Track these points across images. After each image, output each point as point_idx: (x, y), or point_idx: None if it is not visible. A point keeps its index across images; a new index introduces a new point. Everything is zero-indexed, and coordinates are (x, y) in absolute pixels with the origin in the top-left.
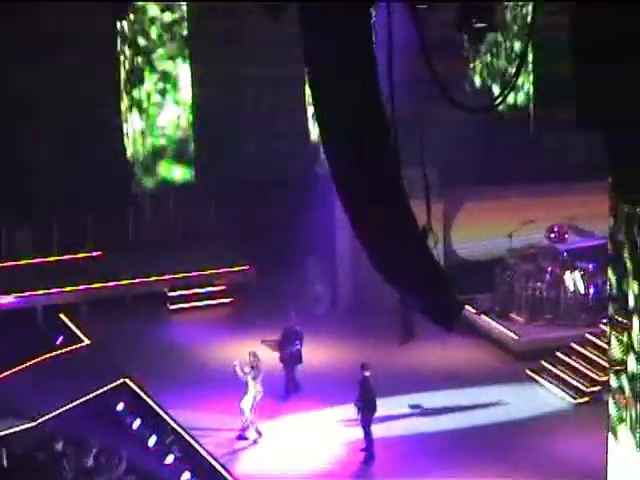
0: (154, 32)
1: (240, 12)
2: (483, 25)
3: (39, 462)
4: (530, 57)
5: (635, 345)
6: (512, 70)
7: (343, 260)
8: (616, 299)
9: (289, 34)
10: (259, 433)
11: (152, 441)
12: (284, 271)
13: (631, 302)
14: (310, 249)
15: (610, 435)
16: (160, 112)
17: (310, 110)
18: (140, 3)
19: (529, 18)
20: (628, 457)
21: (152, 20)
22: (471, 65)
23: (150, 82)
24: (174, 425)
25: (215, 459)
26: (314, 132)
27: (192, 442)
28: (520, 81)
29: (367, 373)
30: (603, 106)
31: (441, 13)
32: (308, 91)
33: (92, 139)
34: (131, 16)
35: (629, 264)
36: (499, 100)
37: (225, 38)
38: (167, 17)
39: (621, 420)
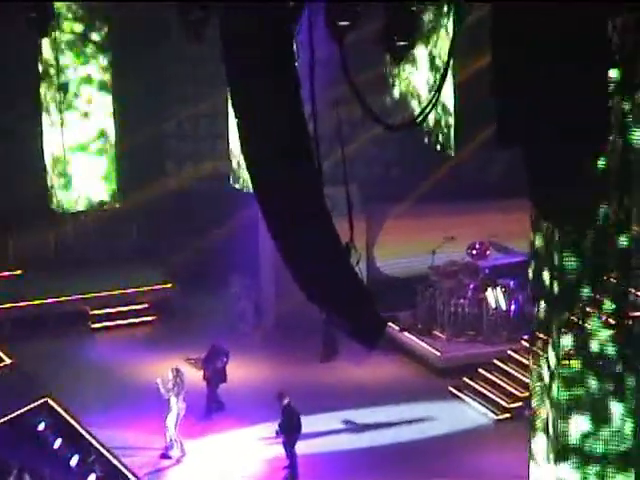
0: (77, 49)
1: (163, 31)
2: (404, 43)
3: None
4: (450, 75)
5: (555, 361)
6: (432, 89)
7: (267, 277)
8: (537, 315)
9: (212, 53)
10: (183, 452)
11: (74, 460)
12: (208, 288)
13: (551, 319)
14: (235, 266)
15: (530, 450)
16: (82, 130)
17: (233, 128)
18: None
19: (449, 39)
20: (548, 471)
21: (75, 37)
22: (392, 82)
23: (72, 100)
24: (96, 444)
25: (138, 478)
26: (237, 149)
27: (114, 461)
28: (440, 98)
29: (285, 401)
30: (523, 125)
31: (363, 31)
32: (230, 109)
33: (13, 156)
34: (54, 34)
35: (549, 281)
36: (419, 118)
37: (148, 56)
38: (85, 32)
39: (541, 435)
